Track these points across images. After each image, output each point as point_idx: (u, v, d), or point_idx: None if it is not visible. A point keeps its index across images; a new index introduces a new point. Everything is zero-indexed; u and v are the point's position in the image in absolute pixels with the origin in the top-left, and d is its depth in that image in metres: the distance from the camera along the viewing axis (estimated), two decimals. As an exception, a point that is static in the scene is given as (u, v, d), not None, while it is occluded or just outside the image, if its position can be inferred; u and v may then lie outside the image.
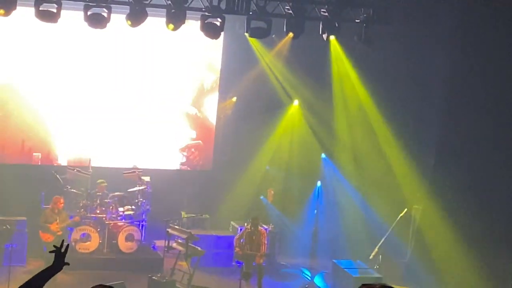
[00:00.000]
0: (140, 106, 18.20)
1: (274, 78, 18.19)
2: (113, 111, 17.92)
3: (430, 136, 16.08)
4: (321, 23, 15.30)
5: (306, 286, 15.59)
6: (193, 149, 19.12)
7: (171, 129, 18.68)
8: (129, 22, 14.46)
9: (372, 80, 16.85)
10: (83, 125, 17.76)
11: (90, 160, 17.38)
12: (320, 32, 15.43)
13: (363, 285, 3.19)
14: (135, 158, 18.18)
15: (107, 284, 3.31)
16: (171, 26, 14.66)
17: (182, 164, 19.00)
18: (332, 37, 15.82)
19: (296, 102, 18.39)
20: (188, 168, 19.00)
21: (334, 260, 16.02)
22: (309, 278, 16.41)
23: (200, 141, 19.16)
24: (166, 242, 15.66)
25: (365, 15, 15.40)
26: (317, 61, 17.42)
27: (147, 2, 14.33)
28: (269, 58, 17.93)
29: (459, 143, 15.02)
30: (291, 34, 15.47)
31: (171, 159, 18.82)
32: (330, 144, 18.04)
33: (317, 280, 16.34)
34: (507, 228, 14.05)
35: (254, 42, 17.34)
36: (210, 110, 18.99)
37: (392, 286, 3.11)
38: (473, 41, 14.96)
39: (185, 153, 18.97)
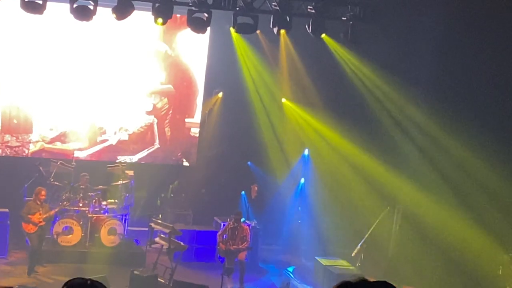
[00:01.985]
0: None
1: (260, 74, 18.17)
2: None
3: (416, 132, 16.13)
4: (311, 21, 15.29)
5: (287, 282, 15.59)
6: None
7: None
8: (115, 15, 14.38)
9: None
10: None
11: (74, 152, 17.31)
12: (310, 30, 15.39)
13: (343, 282, 3.16)
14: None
15: (87, 277, 3.29)
16: (160, 20, 14.52)
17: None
18: (323, 34, 15.83)
19: (283, 100, 18.39)
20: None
21: (316, 257, 16.07)
22: (292, 276, 16.44)
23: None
24: (149, 236, 15.64)
25: (351, 13, 15.42)
26: (305, 58, 17.46)
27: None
28: (254, 54, 17.87)
29: (444, 140, 15.09)
30: (283, 31, 15.45)
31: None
32: (314, 141, 18.04)
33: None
34: (490, 226, 14.13)
35: (238, 39, 17.28)
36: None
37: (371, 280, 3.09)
38: (460, 40, 15.04)
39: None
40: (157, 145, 18.23)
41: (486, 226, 13.99)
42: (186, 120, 18.39)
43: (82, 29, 16.01)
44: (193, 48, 17.81)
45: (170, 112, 18.11)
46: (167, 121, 18.18)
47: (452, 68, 15.37)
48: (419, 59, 16.14)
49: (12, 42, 16.75)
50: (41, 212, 14.75)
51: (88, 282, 3.20)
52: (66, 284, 3.21)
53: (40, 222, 14.74)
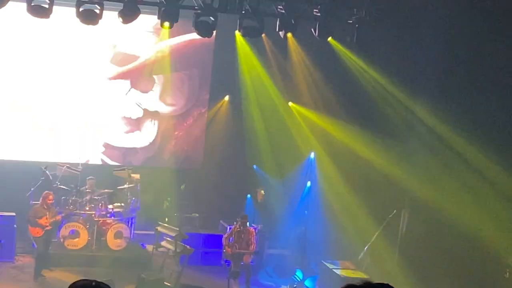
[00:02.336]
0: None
1: (266, 78, 18.16)
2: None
3: (425, 133, 16.10)
4: (317, 24, 15.26)
5: (295, 286, 15.59)
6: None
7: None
8: (121, 19, 14.37)
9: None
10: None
11: (80, 157, 17.32)
12: (316, 34, 15.36)
13: (348, 285, 3.16)
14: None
15: (92, 279, 3.30)
16: (166, 24, 14.51)
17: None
18: (330, 38, 15.82)
19: (289, 103, 18.36)
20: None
21: (322, 261, 16.05)
22: (299, 279, 16.41)
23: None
24: (155, 240, 15.67)
25: (357, 16, 15.41)
26: (312, 61, 17.47)
27: (140, -1, 14.23)
28: (259, 58, 17.83)
29: (453, 142, 15.07)
30: (290, 34, 15.46)
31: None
32: (321, 144, 18.01)
33: (308, 283, 16.34)
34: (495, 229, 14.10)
35: (242, 42, 17.27)
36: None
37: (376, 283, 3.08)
38: (466, 40, 15.04)
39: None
40: (160, 146, 18.12)
41: (493, 229, 13.95)
42: (190, 120, 18.27)
43: (79, 27, 15.45)
44: (198, 48, 17.68)
45: (173, 111, 17.94)
46: (170, 121, 18.08)
47: (458, 68, 15.36)
48: (425, 60, 16.11)
49: (6, 41, 16.74)
50: (48, 216, 14.78)
51: (93, 283, 3.21)
52: (71, 286, 3.22)
53: (47, 226, 14.76)
